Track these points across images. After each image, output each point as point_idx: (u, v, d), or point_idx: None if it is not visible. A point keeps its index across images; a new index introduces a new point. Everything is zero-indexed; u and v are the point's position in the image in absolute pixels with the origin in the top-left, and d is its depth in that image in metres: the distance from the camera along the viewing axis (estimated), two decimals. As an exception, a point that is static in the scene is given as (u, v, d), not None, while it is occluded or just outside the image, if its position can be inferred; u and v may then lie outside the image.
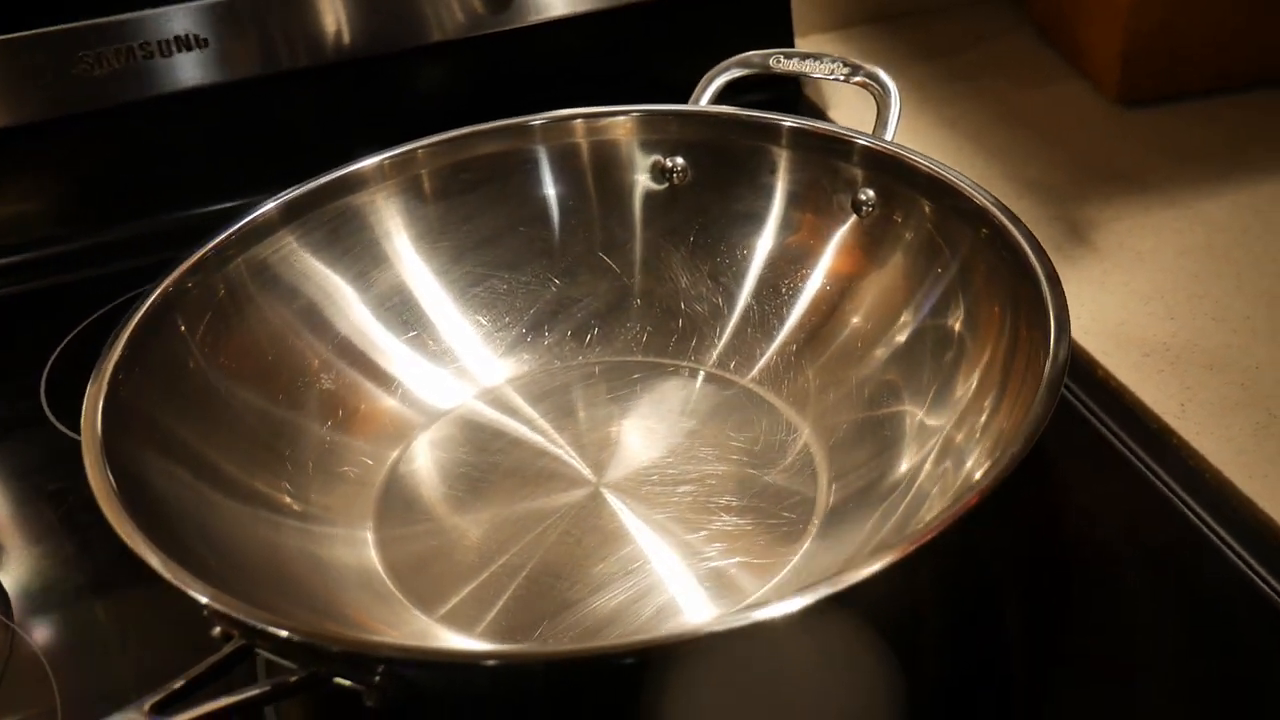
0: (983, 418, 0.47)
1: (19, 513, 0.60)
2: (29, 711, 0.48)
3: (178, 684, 0.38)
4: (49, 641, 0.52)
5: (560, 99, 0.64)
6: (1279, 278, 0.64)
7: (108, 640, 0.53)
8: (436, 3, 0.77)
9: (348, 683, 0.39)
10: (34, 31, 0.70)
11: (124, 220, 0.77)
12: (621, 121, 0.63)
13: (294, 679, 0.38)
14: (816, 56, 0.63)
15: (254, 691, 0.38)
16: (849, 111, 0.83)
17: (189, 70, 0.74)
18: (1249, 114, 0.78)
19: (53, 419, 0.63)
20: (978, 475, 0.45)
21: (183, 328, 0.53)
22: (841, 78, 0.62)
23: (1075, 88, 0.84)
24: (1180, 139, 0.77)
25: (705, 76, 0.65)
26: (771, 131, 0.61)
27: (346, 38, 0.76)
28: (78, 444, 0.61)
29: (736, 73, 0.65)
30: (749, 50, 0.65)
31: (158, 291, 0.52)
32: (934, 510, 0.46)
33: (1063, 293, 0.47)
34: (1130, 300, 0.63)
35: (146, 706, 0.37)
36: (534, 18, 0.80)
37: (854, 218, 0.59)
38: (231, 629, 0.39)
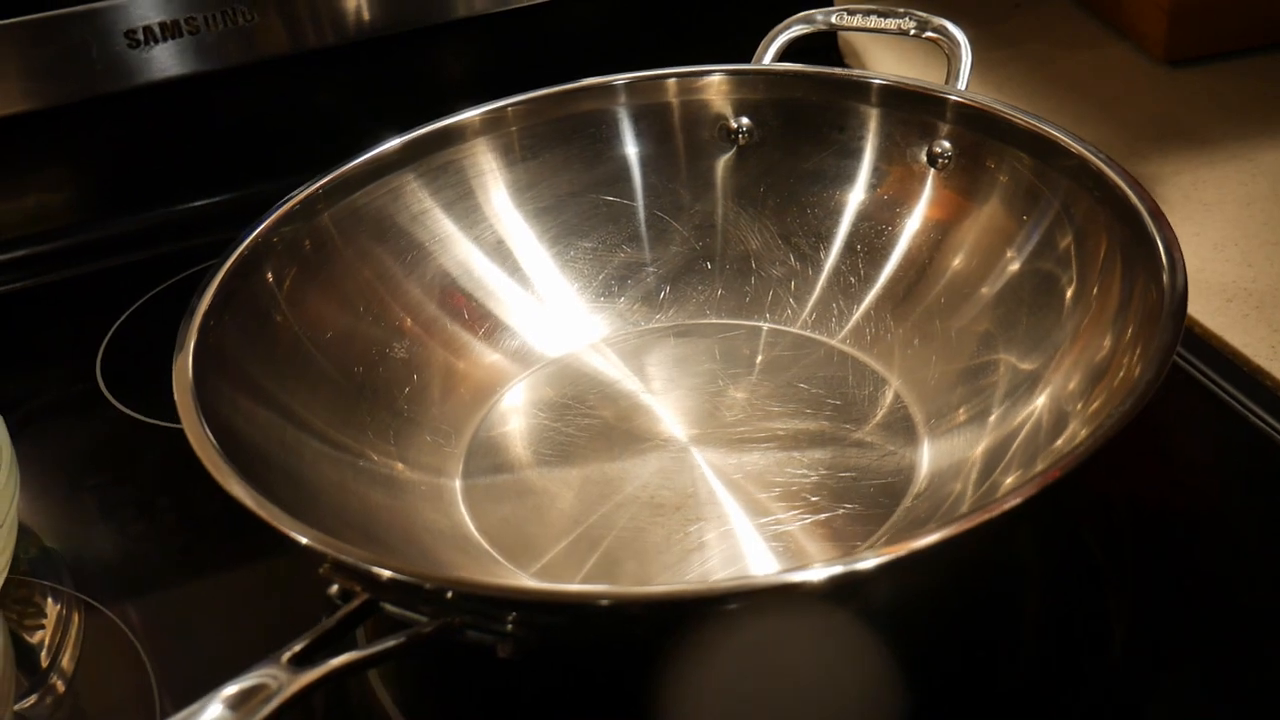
0: (1099, 356, 0.46)
1: (87, 493, 0.58)
2: (123, 683, 0.47)
3: (303, 642, 0.37)
4: (132, 616, 0.50)
5: (593, 72, 0.63)
6: (1351, 224, 0.64)
7: (193, 613, 0.51)
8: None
9: (477, 634, 0.38)
10: (79, 8, 0.69)
11: (173, 201, 0.76)
12: (713, 82, 0.61)
13: (428, 629, 0.37)
14: (883, 13, 0.62)
15: (390, 644, 0.37)
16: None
17: (233, 46, 0.73)
18: (1299, 68, 0.78)
19: (112, 399, 0.62)
20: (1083, 426, 0.44)
21: (270, 279, 0.52)
22: (911, 32, 0.61)
23: (1119, 50, 0.83)
24: (1231, 94, 0.76)
25: (767, 36, 0.64)
26: (860, 89, 0.59)
27: (368, 14, 0.75)
28: (139, 423, 0.61)
29: (798, 30, 0.64)
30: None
31: (247, 241, 0.51)
32: (1048, 458, 0.45)
33: (1169, 225, 0.46)
34: (1203, 249, 0.63)
35: (284, 659, 0.36)
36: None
37: (931, 170, 0.58)
38: (356, 584, 0.38)
